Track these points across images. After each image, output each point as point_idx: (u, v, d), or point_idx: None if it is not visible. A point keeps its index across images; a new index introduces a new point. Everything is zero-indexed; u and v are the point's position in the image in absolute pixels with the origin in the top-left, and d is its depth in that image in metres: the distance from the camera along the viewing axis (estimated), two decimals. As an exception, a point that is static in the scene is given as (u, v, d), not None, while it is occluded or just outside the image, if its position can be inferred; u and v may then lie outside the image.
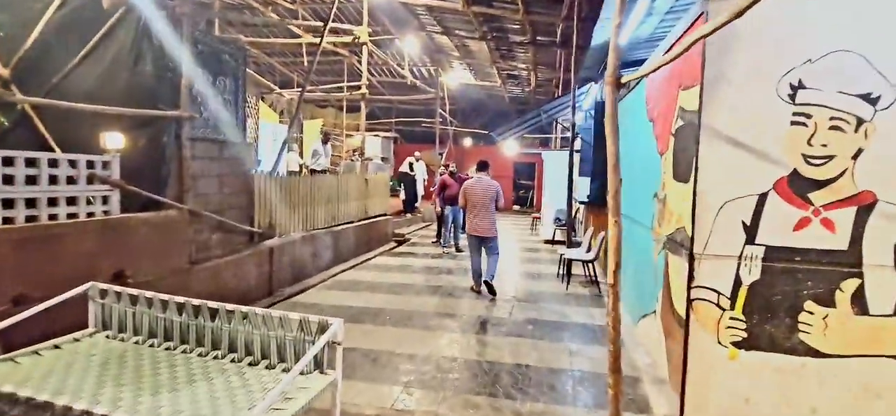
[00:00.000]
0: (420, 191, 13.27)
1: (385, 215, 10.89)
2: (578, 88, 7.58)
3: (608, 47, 2.43)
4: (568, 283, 6.58)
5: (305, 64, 11.56)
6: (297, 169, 10.64)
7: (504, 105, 19.49)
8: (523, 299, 6.00)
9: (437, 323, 4.96)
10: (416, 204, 12.38)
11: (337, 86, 12.70)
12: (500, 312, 5.41)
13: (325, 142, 10.02)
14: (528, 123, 10.44)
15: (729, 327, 2.94)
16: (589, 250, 6.82)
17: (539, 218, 11.79)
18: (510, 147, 19.17)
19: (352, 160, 12.68)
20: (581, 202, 8.30)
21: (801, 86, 2.81)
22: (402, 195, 13.22)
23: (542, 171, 19.69)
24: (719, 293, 2.96)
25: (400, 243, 10.48)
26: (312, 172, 9.21)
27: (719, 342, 2.96)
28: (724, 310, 2.95)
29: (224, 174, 5.65)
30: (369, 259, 8.61)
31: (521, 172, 20.69)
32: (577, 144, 9.54)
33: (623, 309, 5.57)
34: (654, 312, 4.00)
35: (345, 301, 5.73)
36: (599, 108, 7.32)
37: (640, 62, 6.62)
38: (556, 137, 15.95)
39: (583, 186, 9.72)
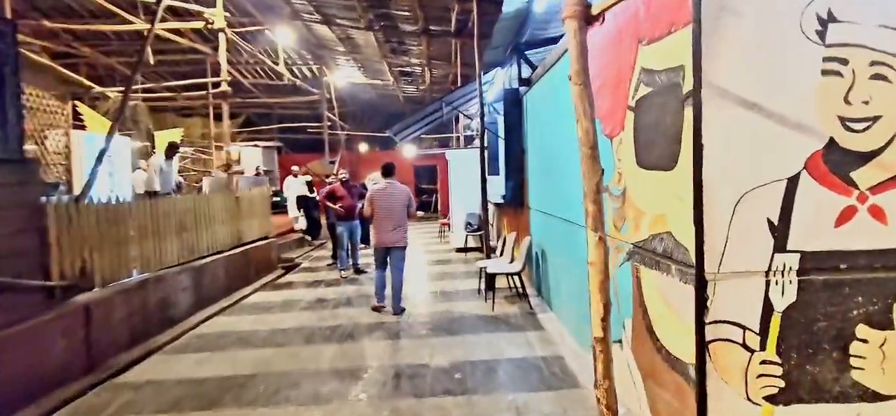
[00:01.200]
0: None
1: (266, 237, 9.13)
2: (484, 73, 6.62)
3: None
4: (494, 302, 5.54)
5: (151, 61, 9.31)
6: (151, 190, 8.38)
7: (398, 105, 18.37)
8: (444, 329, 4.82)
9: (333, 390, 3.57)
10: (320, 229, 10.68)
11: (189, 83, 10.47)
12: (416, 356, 4.17)
13: (169, 156, 7.99)
14: (429, 118, 9.36)
15: (761, 374, 2.01)
16: (512, 260, 5.86)
17: (448, 224, 10.78)
18: (408, 150, 18.15)
19: (213, 175, 10.55)
20: (495, 204, 7.41)
21: (831, 18, 1.96)
22: (294, 215, 11.43)
23: (446, 173, 19.05)
24: (745, 329, 2.02)
25: (288, 270, 8.87)
26: (150, 195, 7.15)
27: (749, 398, 2.01)
28: (752, 351, 2.01)
29: (-18, 208, 3.70)
30: (246, 297, 6.89)
31: (422, 175, 19.78)
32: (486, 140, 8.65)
33: (561, 325, 4.65)
34: (620, 342, 3.04)
35: (199, 370, 4.08)
36: (510, 96, 6.44)
37: (555, 40, 5.82)
38: (458, 136, 15.14)
39: (496, 187, 8.91)
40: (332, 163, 15.19)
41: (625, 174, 2.93)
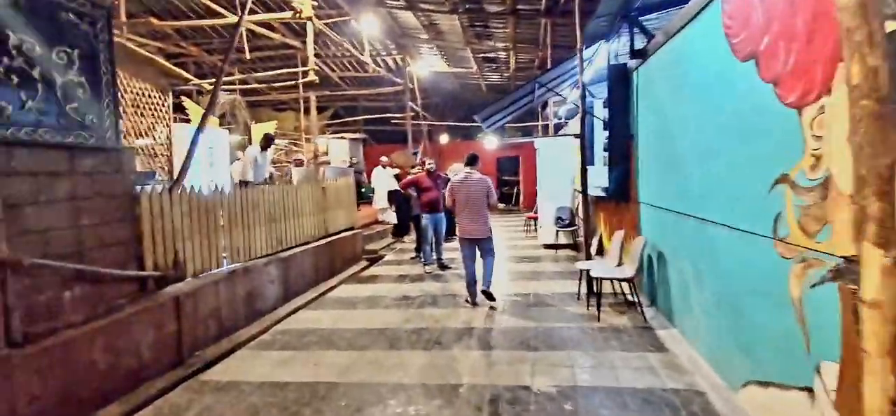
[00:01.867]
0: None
1: (352, 228, 8.97)
2: (585, 47, 5.79)
3: None
4: (599, 311, 4.75)
5: (247, 56, 9.50)
6: (245, 180, 8.54)
7: (480, 95, 17.73)
8: (543, 341, 4.14)
9: (422, 414, 3.04)
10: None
11: (279, 73, 10.59)
12: (514, 374, 3.54)
13: (264, 148, 8.00)
14: (519, 102, 8.63)
15: None
16: (619, 262, 5.01)
17: (536, 218, 10.00)
18: (491, 141, 17.45)
19: (296, 166, 10.63)
20: (596, 198, 6.55)
21: None
22: (382, 206, 11.26)
23: (530, 163, 18.33)
24: None
25: (372, 262, 8.64)
26: (243, 184, 7.16)
27: None
28: None
29: (80, 196, 3.63)
30: (332, 289, 6.70)
31: (505, 167, 19.10)
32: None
33: (691, 348, 3.69)
34: (810, 392, 2.18)
35: (281, 373, 3.78)
36: (616, 73, 5.56)
37: (670, 3, 4.84)
38: (544, 125, 14.19)
39: (592, 178, 8.01)
40: (415, 154, 14.96)
41: (829, 157, 2.05)
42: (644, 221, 5.10)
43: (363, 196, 12.89)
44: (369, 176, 11.85)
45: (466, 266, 5.22)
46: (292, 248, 6.48)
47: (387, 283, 6.88)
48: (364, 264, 8.65)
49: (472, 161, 5.25)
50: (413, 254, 8.66)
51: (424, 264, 7.48)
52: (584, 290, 5.36)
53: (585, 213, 5.76)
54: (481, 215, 5.03)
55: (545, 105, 13.19)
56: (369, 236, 9.92)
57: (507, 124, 15.09)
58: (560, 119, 12.83)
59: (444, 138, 19.52)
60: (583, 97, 5.97)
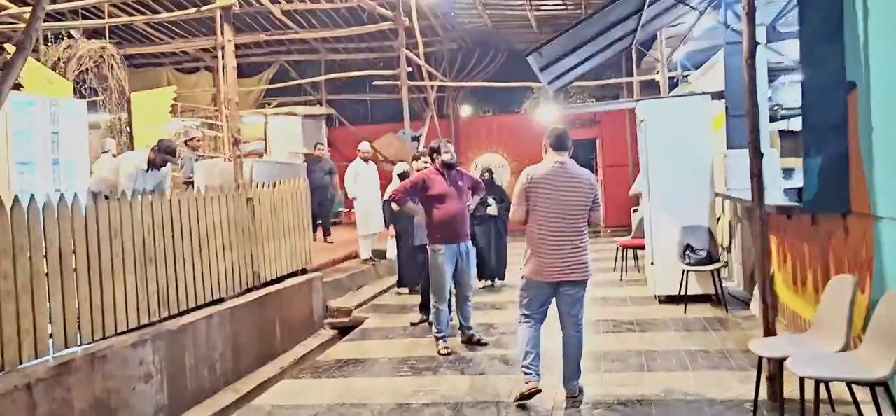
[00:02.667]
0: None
1: (303, 271, 8.19)
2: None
3: None
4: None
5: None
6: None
7: (528, 35, 16.85)
8: None
9: None
10: None
11: None
12: None
13: (155, 164, 7.07)
14: (610, 37, 7.66)
15: None
16: (847, 343, 3.98)
17: (639, 247, 9.02)
18: (547, 111, 16.58)
19: (193, 151, 9.70)
20: (783, 207, 5.54)
21: None
22: (371, 231, 10.54)
23: (619, 148, 17.44)
24: None
25: (343, 332, 8.01)
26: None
27: None
28: None
29: None
30: (263, 389, 6.05)
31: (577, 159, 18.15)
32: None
33: None
34: None
35: None
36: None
37: None
38: (652, 81, 13.19)
39: (742, 170, 7.03)
40: (415, 139, 14.20)
41: None
42: (886, 252, 4.13)
43: (328, 213, 11.98)
44: (342, 178, 10.97)
45: (525, 330, 4.93)
46: (188, 312, 6.11)
47: (367, 375, 6.10)
48: (327, 336, 8.01)
49: (560, 143, 4.89)
50: (415, 318, 7.71)
51: (437, 336, 6.52)
52: (764, 395, 4.35)
53: (763, 238, 4.73)
54: (577, 242, 4.82)
55: (649, 46, 12.24)
56: (337, 284, 9.04)
57: (578, 83, 14.19)
58: (679, 69, 11.79)
59: (465, 110, 18.74)
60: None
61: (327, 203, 11.87)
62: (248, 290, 7.04)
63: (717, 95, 7.58)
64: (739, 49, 7.53)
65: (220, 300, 6.56)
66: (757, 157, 4.72)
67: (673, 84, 12.23)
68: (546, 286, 4.88)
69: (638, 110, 7.99)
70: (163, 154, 7.13)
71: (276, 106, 16.98)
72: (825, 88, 4.81)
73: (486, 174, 9.41)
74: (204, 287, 6.33)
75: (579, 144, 18.08)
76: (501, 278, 9.60)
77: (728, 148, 7.55)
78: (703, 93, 7.65)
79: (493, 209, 9.05)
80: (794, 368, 3.77)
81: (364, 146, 10.84)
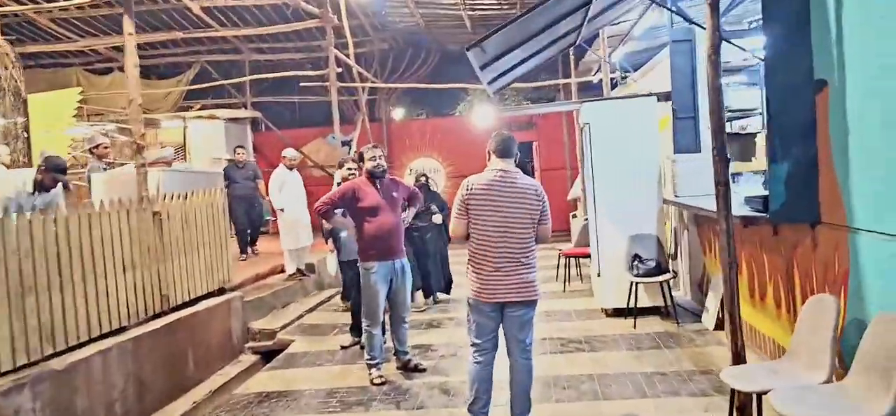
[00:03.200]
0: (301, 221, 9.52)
1: (221, 291, 7.44)
2: None
3: None
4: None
5: None
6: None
7: (462, 34, 16.36)
8: None
9: None
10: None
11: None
12: None
13: (45, 184, 6.04)
14: (555, 33, 7.17)
15: None
16: (830, 375, 3.54)
17: (585, 255, 8.59)
18: (482, 115, 16.11)
19: (98, 160, 8.67)
20: (747, 218, 5.10)
21: None
22: (299, 245, 9.67)
23: (555, 152, 17.04)
24: None
25: (268, 358, 7.29)
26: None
27: None
28: None
29: None
30: None
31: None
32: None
33: None
34: None
35: None
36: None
37: None
38: (592, 84, 12.82)
39: (693, 174, 6.69)
40: (346, 143, 13.49)
41: None
42: (864, 267, 3.74)
43: (258, 225, 11.03)
44: (267, 186, 10.04)
45: (475, 369, 4.46)
46: (80, 346, 5.36)
47: (291, 411, 5.43)
48: (248, 361, 7.33)
49: (505, 150, 4.44)
50: (345, 341, 7.05)
51: (369, 363, 5.87)
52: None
53: (730, 252, 4.26)
54: (523, 259, 4.37)
55: (586, 49, 11.88)
56: (260, 303, 8.27)
57: (514, 85, 13.78)
58: (619, 70, 11.45)
59: (397, 113, 18.11)
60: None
61: (256, 213, 10.81)
62: (156, 316, 6.25)
63: (664, 97, 7.18)
64: (686, 48, 7.24)
65: (122, 330, 5.76)
66: (723, 162, 4.26)
67: (612, 86, 11.90)
68: (490, 308, 4.39)
69: (581, 112, 7.51)
70: (52, 173, 5.99)
71: (199, 109, 15.94)
72: (792, 88, 4.39)
73: (422, 179, 8.71)
74: (100, 316, 5.52)
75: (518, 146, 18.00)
76: (447, 292, 8.92)
77: (675, 152, 7.17)
78: (650, 94, 7.22)
79: (437, 217, 8.35)
80: (780, 406, 3.28)
81: (289, 152, 9.95)
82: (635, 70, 11.08)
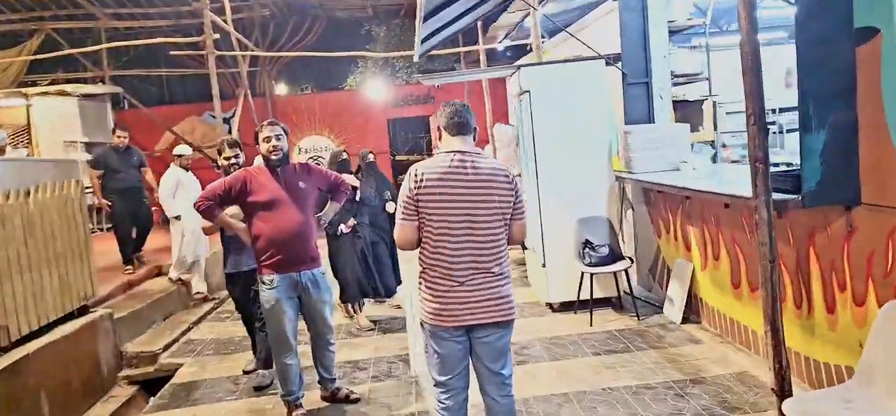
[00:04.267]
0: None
1: (85, 308, 5.95)
2: None
3: None
4: None
5: None
6: None
7: (350, 2, 15.07)
8: None
9: None
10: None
11: None
12: None
13: None
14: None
15: None
16: None
17: (522, 247, 7.60)
18: (375, 89, 14.93)
19: None
20: (778, 203, 4.20)
21: None
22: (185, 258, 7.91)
23: (484, 121, 15.94)
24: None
25: (147, 387, 6.01)
26: None
27: None
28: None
29: None
30: None
31: (403, 141, 16.81)
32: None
33: None
34: None
35: None
36: None
37: None
38: (507, 52, 11.78)
39: (650, 150, 5.88)
40: (227, 120, 11.90)
41: None
42: None
43: (146, 230, 8.69)
44: (157, 185, 8.01)
45: (445, 405, 3.49)
46: None
47: None
48: (124, 395, 5.88)
49: (464, 124, 3.44)
50: (248, 365, 5.65)
51: (288, 400, 4.59)
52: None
53: (769, 245, 3.33)
54: (494, 267, 3.45)
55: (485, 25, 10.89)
56: (135, 317, 6.74)
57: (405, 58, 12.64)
58: (535, 36, 10.52)
59: (280, 89, 16.50)
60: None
61: (143, 212, 8.46)
62: (-8, 355, 4.64)
63: (613, 59, 6.27)
64: (637, 4, 6.37)
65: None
66: (762, 132, 3.31)
67: (523, 52, 10.99)
68: (457, 335, 3.39)
69: (520, 78, 6.43)
70: None
71: (49, 84, 13.58)
72: (827, 41, 3.54)
73: (370, 156, 7.15)
74: None
75: (410, 121, 16.91)
76: (395, 290, 7.18)
77: (626, 122, 6.29)
78: (599, 56, 6.26)
79: (391, 205, 6.80)
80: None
81: (183, 150, 7.99)
82: (550, 36, 10.22)
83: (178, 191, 7.56)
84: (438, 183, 3.24)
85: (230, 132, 12.55)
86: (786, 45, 10.67)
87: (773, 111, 10.19)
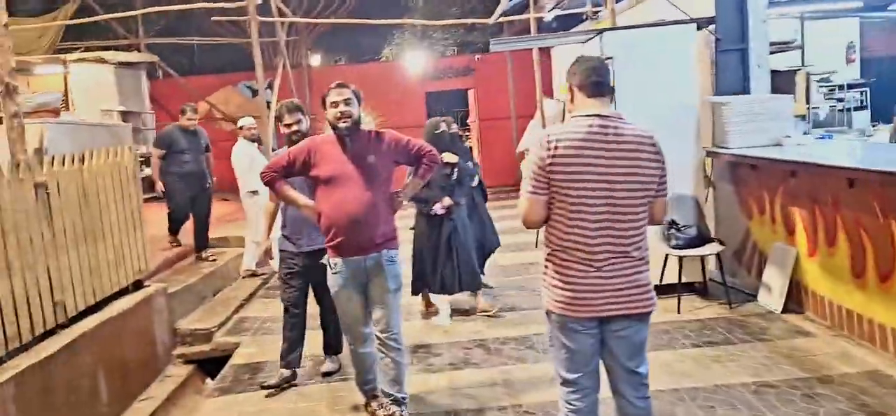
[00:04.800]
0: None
1: (138, 284, 5.69)
2: None
3: None
4: None
5: None
6: None
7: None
8: None
9: None
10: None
11: None
12: None
13: None
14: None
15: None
16: None
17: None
18: (414, 62, 14.44)
19: None
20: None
21: None
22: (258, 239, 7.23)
23: (492, 99, 15.31)
24: None
25: (203, 366, 5.71)
26: None
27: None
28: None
29: None
30: None
31: (441, 115, 16.32)
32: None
33: None
34: None
35: None
36: None
37: None
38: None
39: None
40: (256, 92, 11.61)
41: None
42: None
43: (206, 218, 7.87)
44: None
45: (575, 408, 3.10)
46: None
47: None
48: (180, 376, 5.50)
49: (601, 83, 3.00)
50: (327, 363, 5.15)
51: (363, 388, 4.19)
52: None
53: None
54: (634, 251, 3.01)
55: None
56: (186, 292, 6.38)
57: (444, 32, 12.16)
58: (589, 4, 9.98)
59: (314, 61, 16.07)
60: None
61: (205, 199, 7.63)
62: (47, 334, 4.26)
63: (705, 23, 5.76)
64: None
65: (-6, 362, 3.79)
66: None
67: (578, 21, 10.46)
68: (590, 327, 2.97)
69: (601, 45, 5.96)
70: None
71: (84, 51, 13.23)
72: None
73: (445, 125, 5.86)
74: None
75: (448, 95, 16.38)
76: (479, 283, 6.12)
77: (717, 93, 5.79)
78: (690, 20, 5.73)
79: (474, 181, 6.13)
80: None
81: (246, 121, 7.46)
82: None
83: (253, 166, 7.01)
84: (577, 151, 2.81)
85: (268, 106, 12.16)
86: (849, 17, 9.96)
87: (841, 87, 9.59)
